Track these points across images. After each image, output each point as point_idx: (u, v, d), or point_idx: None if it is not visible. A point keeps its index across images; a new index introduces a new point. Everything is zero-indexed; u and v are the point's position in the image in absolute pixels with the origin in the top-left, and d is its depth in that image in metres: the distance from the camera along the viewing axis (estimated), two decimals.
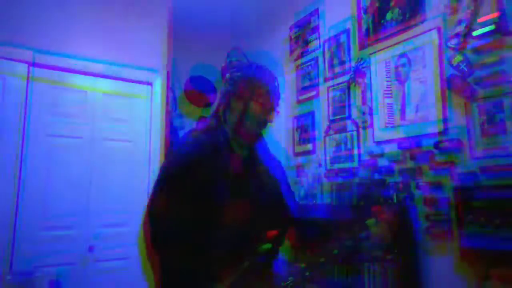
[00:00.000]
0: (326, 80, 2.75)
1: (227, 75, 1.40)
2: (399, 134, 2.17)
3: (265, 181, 1.38)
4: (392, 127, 2.21)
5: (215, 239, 1.20)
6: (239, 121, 1.32)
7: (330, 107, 2.69)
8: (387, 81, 2.26)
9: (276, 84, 1.38)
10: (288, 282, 1.56)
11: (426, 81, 2.05)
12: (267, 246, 1.23)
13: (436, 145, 1.95)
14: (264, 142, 1.47)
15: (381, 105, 2.29)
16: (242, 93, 1.32)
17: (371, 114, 2.36)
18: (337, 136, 2.61)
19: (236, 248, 1.22)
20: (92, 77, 2.80)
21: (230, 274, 1.18)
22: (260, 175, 1.38)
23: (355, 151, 2.45)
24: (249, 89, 1.31)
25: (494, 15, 1.74)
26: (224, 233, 1.21)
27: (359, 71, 2.46)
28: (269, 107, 1.34)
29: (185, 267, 1.19)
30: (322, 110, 2.76)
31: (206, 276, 1.18)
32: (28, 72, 2.55)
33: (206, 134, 1.35)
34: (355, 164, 2.44)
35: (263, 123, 1.35)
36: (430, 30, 2.03)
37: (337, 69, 2.66)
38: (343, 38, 2.63)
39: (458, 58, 1.88)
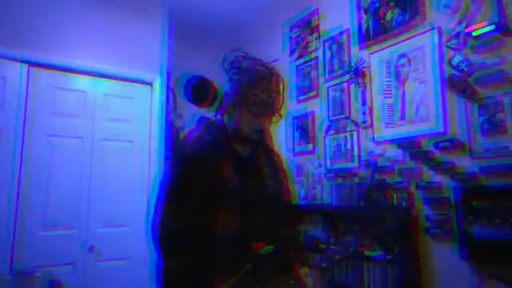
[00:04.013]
0: (326, 80, 2.75)
1: (228, 77, 1.37)
2: (399, 134, 2.17)
3: (267, 182, 1.36)
4: (392, 127, 2.21)
5: (216, 242, 1.20)
6: (234, 127, 1.31)
7: (330, 107, 2.69)
8: (387, 81, 2.27)
9: (278, 88, 1.31)
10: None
11: (426, 81, 2.05)
12: (269, 248, 1.22)
13: (436, 145, 1.95)
14: (268, 140, 1.45)
15: (381, 105, 2.29)
16: (237, 101, 1.29)
17: (371, 114, 2.36)
18: (337, 136, 2.61)
19: (237, 251, 1.21)
20: (92, 77, 2.80)
21: (230, 277, 1.18)
22: (262, 176, 1.37)
23: (355, 151, 2.45)
24: (246, 96, 1.27)
25: (494, 15, 1.74)
26: (225, 236, 1.20)
27: (359, 71, 2.46)
28: (266, 115, 1.29)
29: (186, 269, 1.19)
30: (322, 110, 2.76)
31: (206, 278, 1.18)
32: (28, 72, 2.55)
33: (208, 134, 1.35)
34: (355, 164, 2.44)
35: (258, 129, 1.30)
36: (430, 30, 2.03)
37: (337, 69, 2.66)
38: (343, 38, 2.63)
39: (458, 58, 1.88)
